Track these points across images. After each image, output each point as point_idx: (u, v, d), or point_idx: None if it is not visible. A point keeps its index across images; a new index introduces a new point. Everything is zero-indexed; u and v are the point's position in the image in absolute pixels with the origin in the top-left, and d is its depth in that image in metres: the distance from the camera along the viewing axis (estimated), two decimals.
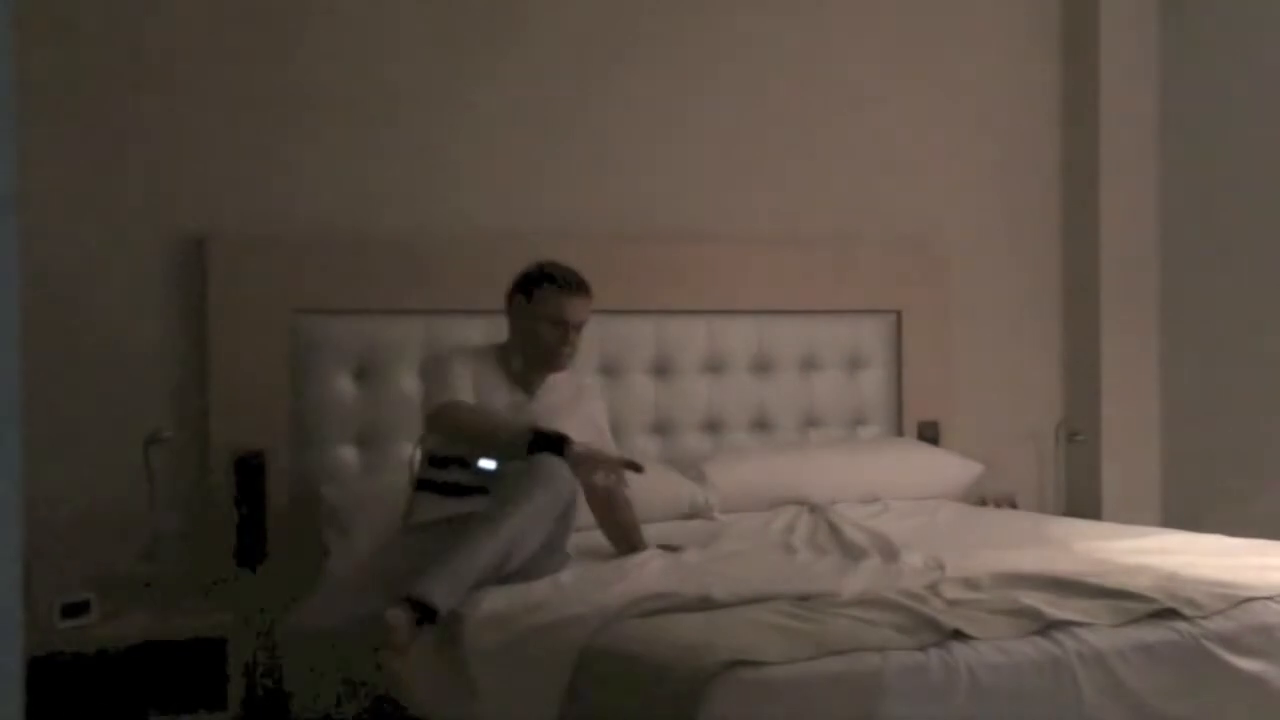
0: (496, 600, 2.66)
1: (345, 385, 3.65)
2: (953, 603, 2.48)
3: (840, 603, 2.47)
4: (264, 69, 3.63)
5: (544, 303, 3.14)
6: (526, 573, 2.80)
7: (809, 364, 4.34)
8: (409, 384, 3.71)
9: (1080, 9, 4.81)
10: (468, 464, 2.99)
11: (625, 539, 3.14)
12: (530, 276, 3.20)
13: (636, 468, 3.01)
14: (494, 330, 3.79)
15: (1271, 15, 4.58)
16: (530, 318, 3.16)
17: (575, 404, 3.26)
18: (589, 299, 3.20)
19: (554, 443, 2.88)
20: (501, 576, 2.75)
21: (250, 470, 3.48)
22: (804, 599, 2.52)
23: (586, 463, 2.90)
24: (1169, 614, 2.45)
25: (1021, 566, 2.80)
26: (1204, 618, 2.46)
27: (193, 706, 3.24)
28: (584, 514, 3.08)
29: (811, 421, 4.34)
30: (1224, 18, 4.73)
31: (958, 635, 2.27)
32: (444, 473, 3.05)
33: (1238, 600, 2.53)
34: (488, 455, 2.97)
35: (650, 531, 3.23)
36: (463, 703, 2.59)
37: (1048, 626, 2.34)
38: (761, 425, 4.25)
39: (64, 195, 3.40)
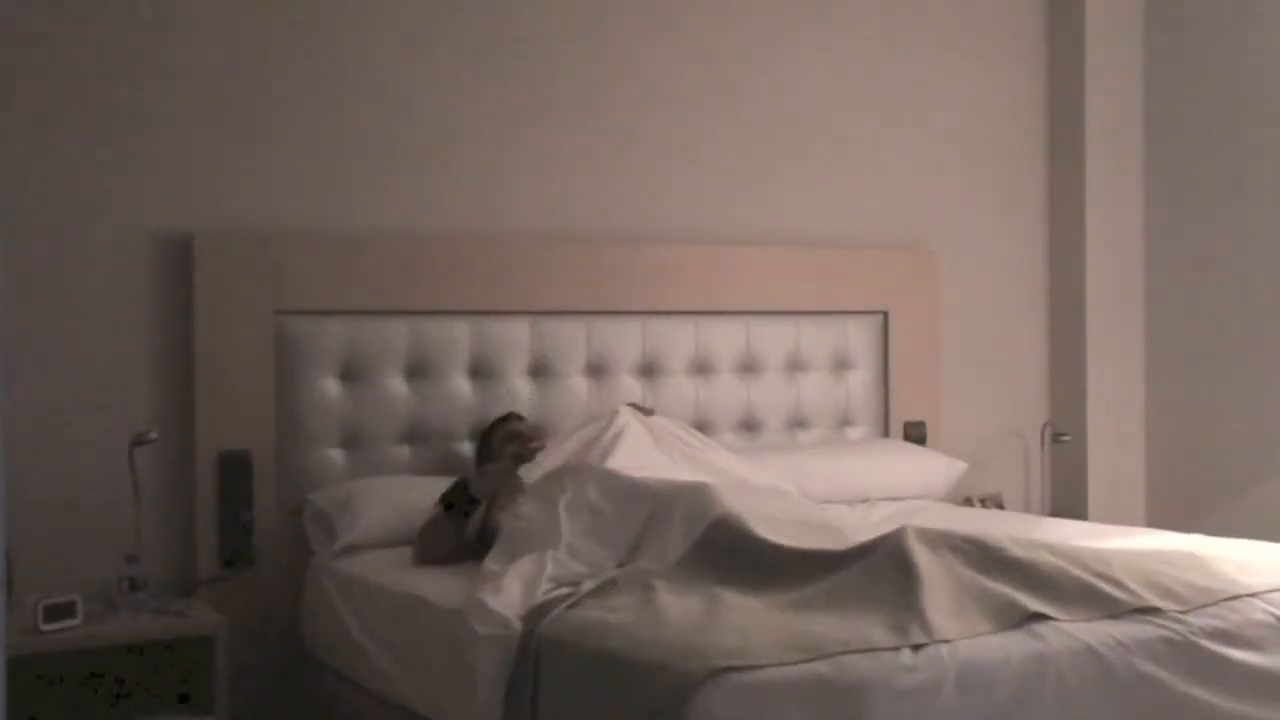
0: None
1: (331, 386, 3.64)
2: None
3: (824, 603, 2.47)
4: (250, 68, 3.62)
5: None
6: None
7: (796, 365, 4.34)
8: (395, 385, 3.71)
9: (1065, 15, 4.83)
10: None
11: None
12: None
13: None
14: (483, 329, 3.81)
15: (1256, 25, 4.60)
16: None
17: None
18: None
19: (459, 492, 3.22)
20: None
21: (236, 471, 3.48)
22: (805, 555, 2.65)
23: (487, 486, 3.25)
24: (1151, 610, 2.46)
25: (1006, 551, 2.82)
26: (1184, 613, 2.47)
27: (180, 709, 3.23)
28: None
29: (798, 422, 4.35)
30: (1208, 27, 4.74)
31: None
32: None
33: (1220, 597, 2.54)
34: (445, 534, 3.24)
35: None
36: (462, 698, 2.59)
37: (1027, 619, 2.35)
38: (748, 426, 4.25)
39: (49, 194, 3.39)
